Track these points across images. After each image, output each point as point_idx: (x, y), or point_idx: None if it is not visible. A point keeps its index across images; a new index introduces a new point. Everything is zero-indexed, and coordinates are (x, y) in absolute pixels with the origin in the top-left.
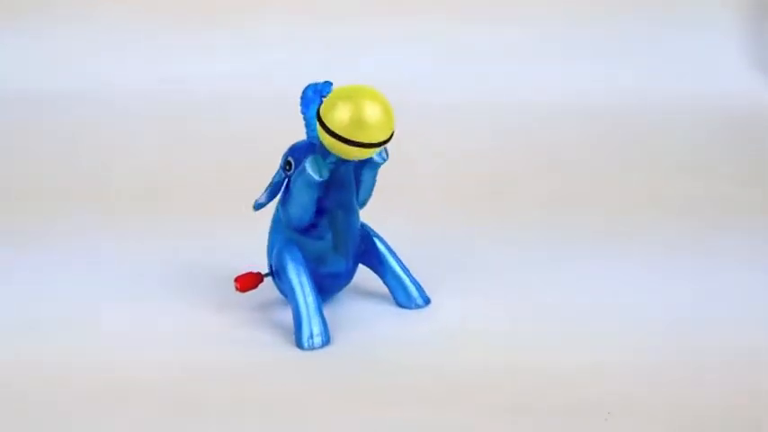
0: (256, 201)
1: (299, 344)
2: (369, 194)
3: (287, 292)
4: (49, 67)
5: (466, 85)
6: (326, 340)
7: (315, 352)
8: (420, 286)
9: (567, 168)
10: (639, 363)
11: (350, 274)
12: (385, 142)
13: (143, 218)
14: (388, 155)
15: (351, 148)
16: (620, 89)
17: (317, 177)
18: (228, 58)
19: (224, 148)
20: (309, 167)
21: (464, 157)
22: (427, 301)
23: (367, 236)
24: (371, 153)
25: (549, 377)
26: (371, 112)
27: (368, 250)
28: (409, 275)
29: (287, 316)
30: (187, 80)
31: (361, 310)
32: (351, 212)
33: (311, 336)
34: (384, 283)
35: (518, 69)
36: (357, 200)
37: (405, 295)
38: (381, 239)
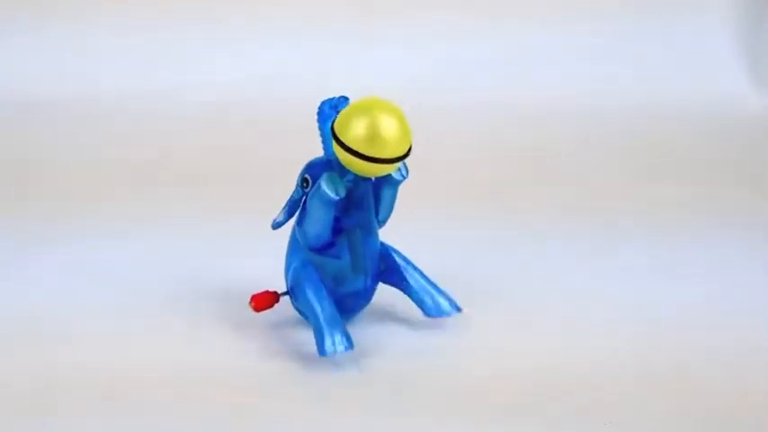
0: (274, 220)
1: (321, 351)
2: (389, 213)
3: (305, 310)
4: (50, 71)
5: (465, 87)
6: (349, 345)
7: (333, 375)
8: (447, 295)
9: (570, 171)
10: (651, 366)
11: (369, 293)
12: (402, 158)
13: (158, 234)
14: (408, 172)
15: (367, 163)
16: (619, 91)
17: (332, 195)
18: (231, 62)
19: (236, 159)
20: (325, 185)
21: (470, 161)
22: (458, 309)
23: (386, 254)
24: (389, 169)
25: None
26: (387, 125)
27: (388, 268)
28: (434, 286)
29: (304, 336)
30: (193, 84)
31: (383, 330)
32: (370, 232)
33: (333, 343)
34: (410, 297)
35: (515, 71)
36: (377, 219)
37: (433, 305)
38: (400, 254)
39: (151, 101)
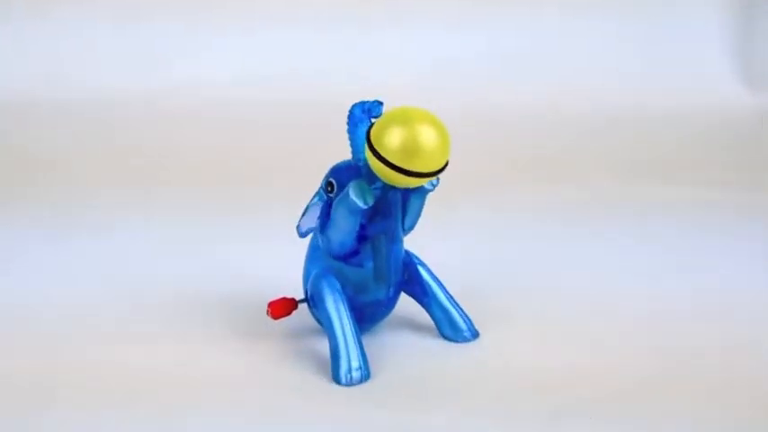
0: (299, 226)
1: (336, 378)
2: (415, 222)
3: (324, 323)
4: (48, 69)
5: (462, 85)
6: (366, 375)
7: (352, 387)
8: (468, 318)
9: (566, 171)
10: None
11: (391, 302)
12: (440, 171)
13: (173, 240)
14: (438, 180)
15: (402, 176)
16: (615, 91)
17: (361, 204)
18: (229, 59)
19: (242, 159)
20: (353, 193)
21: (468, 157)
22: (475, 335)
23: (410, 263)
24: (423, 182)
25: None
26: (427, 139)
27: (411, 279)
28: (456, 306)
29: (322, 346)
30: (197, 80)
31: (403, 342)
32: (395, 240)
33: (349, 370)
34: (429, 314)
35: (511, 71)
36: (402, 227)
37: (451, 328)
38: (426, 267)
39: (152, 99)
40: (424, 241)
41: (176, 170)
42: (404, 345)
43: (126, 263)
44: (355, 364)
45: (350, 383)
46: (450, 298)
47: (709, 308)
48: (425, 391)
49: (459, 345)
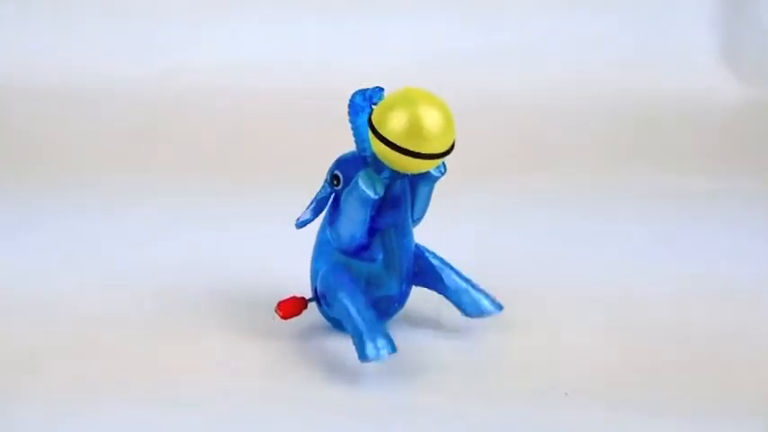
0: (299, 218)
1: (362, 356)
2: (424, 211)
3: (340, 316)
4: (44, 56)
5: (456, 77)
6: (393, 349)
7: (369, 386)
8: (487, 294)
9: (557, 160)
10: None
11: (403, 297)
12: (446, 153)
13: (177, 240)
14: (446, 168)
15: (408, 159)
16: (596, 83)
17: (371, 194)
18: (228, 49)
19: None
20: (363, 183)
21: (466, 150)
22: (499, 308)
23: (420, 255)
24: (430, 165)
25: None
26: (432, 118)
27: (422, 270)
28: (473, 285)
29: (332, 346)
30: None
31: (416, 335)
32: (405, 232)
33: (375, 346)
34: (447, 298)
35: (512, 64)
36: (411, 217)
37: (473, 305)
38: (435, 255)
39: (151, 85)
40: (426, 231)
41: (177, 161)
42: (416, 339)
43: (126, 256)
44: (381, 341)
45: (378, 357)
46: (465, 278)
47: (713, 294)
48: (442, 378)
49: (471, 333)
